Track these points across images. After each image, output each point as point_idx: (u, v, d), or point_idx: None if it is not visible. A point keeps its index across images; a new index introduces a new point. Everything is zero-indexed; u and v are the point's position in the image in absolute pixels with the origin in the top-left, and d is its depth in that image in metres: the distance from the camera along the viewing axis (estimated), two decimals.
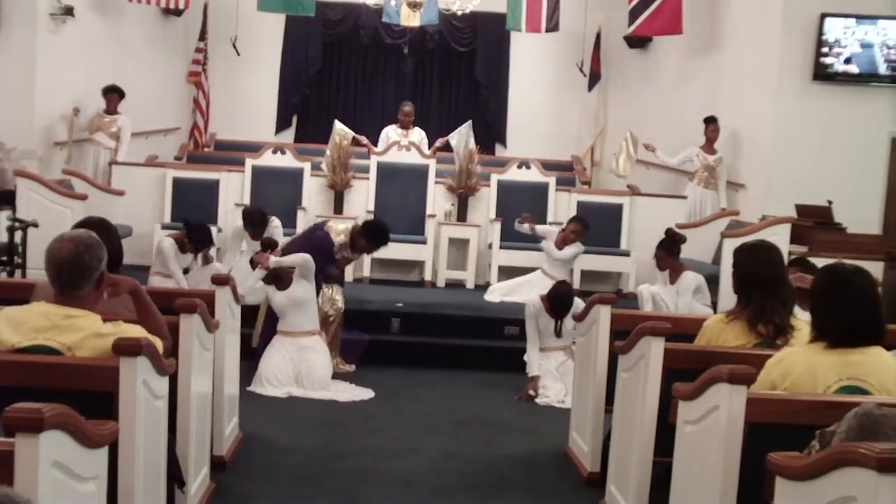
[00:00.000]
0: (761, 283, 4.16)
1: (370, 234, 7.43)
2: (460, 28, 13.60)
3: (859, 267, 3.56)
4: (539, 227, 8.90)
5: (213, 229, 9.20)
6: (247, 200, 9.72)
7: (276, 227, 8.50)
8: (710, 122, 10.40)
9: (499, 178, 10.17)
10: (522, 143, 13.59)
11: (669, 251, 7.62)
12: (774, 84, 9.68)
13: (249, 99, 13.63)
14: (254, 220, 8.39)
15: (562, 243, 8.72)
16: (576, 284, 9.29)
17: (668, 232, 7.82)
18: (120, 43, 11.41)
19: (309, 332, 6.90)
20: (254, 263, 7.00)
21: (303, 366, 6.78)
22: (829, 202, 8.95)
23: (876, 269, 8.12)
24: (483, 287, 9.44)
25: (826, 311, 3.49)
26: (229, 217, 9.58)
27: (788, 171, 9.51)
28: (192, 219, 8.14)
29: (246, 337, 6.72)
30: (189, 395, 4.20)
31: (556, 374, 6.97)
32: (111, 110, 10.34)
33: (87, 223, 4.09)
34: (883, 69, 9.47)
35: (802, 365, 3.46)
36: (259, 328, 7.34)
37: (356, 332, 7.61)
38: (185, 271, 7.97)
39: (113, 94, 10.29)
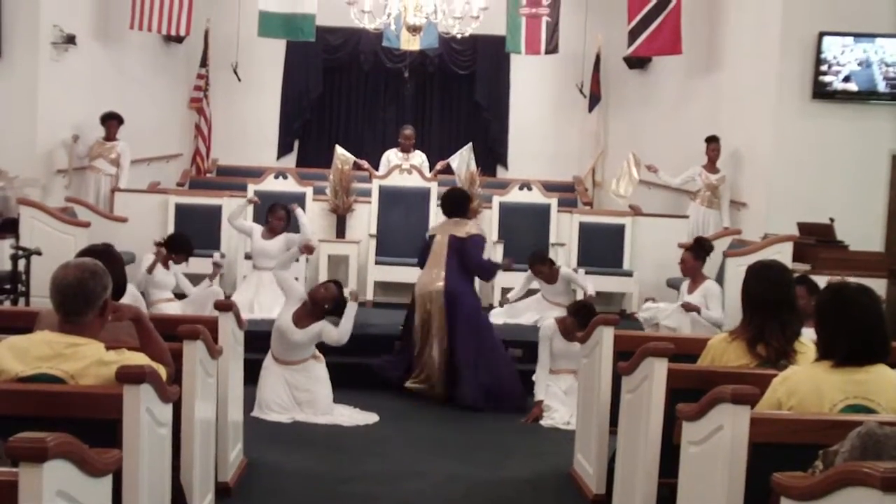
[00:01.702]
0: (763, 304, 4.16)
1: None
2: (460, 51, 13.66)
3: (863, 285, 3.57)
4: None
5: (217, 255, 9.22)
6: None
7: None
8: (711, 141, 10.43)
9: (500, 199, 10.18)
10: (523, 164, 13.62)
11: (697, 255, 7.68)
12: (774, 103, 9.71)
13: (251, 124, 13.68)
14: (277, 209, 8.43)
15: (549, 279, 8.76)
16: None
17: (698, 238, 8.03)
18: (122, 70, 11.48)
19: (301, 360, 6.86)
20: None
21: (303, 393, 6.74)
22: (831, 220, 8.95)
23: (879, 286, 8.10)
24: (486, 309, 9.42)
25: (831, 330, 3.50)
26: (232, 243, 9.60)
27: (790, 189, 9.52)
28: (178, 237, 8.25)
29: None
30: (193, 421, 4.20)
31: (563, 397, 6.93)
32: (110, 137, 10.37)
33: (92, 251, 4.11)
34: (882, 87, 9.49)
35: (808, 383, 3.46)
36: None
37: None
38: (181, 296, 8.01)
39: (112, 121, 10.33)
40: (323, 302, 6.84)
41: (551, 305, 8.63)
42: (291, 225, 8.67)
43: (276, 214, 8.63)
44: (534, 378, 7.04)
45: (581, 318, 6.68)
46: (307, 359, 6.85)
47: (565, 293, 8.88)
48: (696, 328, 7.34)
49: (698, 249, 7.72)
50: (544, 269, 8.69)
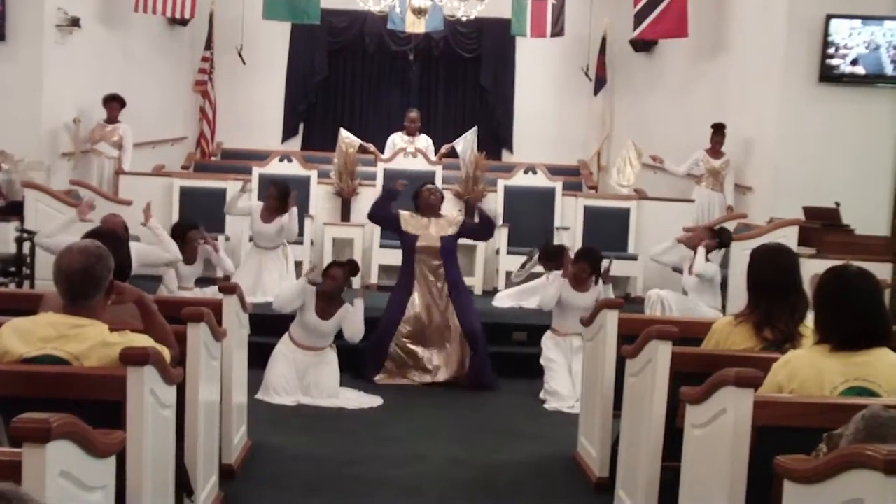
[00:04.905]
0: (772, 288, 4.14)
1: None
2: (465, 34, 13.62)
3: (862, 268, 3.57)
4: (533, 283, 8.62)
5: (221, 238, 9.20)
6: None
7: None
8: (717, 129, 10.37)
9: (505, 183, 10.17)
10: (529, 148, 13.57)
11: (716, 237, 7.90)
12: (781, 86, 9.66)
13: (256, 107, 13.66)
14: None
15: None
16: None
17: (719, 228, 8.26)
18: (126, 53, 11.46)
19: (323, 348, 6.91)
20: None
21: (310, 376, 6.77)
22: (837, 204, 8.93)
23: (884, 270, 8.11)
24: (491, 293, 9.44)
25: (830, 314, 3.51)
26: (237, 225, 9.58)
27: (796, 173, 9.48)
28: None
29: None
30: (197, 403, 4.21)
31: (567, 364, 6.91)
32: (112, 119, 10.31)
33: (99, 234, 4.10)
34: (889, 70, 9.43)
35: (809, 367, 3.45)
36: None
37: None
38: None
39: (114, 103, 10.27)
40: (336, 291, 6.91)
41: None
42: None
43: (269, 194, 8.61)
44: (542, 342, 7.18)
45: (590, 260, 6.95)
46: (326, 347, 6.92)
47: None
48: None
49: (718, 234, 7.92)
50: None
